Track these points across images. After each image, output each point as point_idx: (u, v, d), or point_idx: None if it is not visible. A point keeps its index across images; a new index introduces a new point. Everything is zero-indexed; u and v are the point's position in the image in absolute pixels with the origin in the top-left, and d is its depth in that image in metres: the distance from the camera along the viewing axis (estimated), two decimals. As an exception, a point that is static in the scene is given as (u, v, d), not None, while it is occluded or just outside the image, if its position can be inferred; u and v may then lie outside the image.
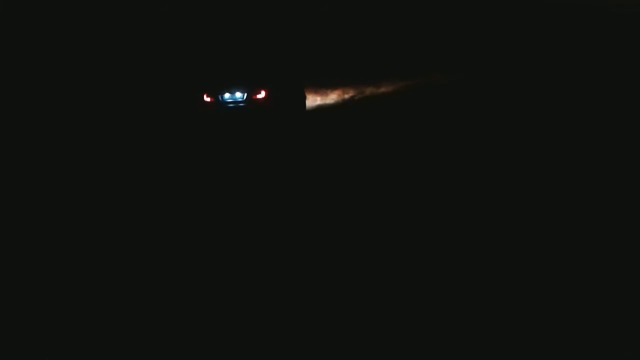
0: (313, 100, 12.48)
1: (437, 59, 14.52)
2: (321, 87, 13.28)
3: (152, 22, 13.88)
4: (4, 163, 10.37)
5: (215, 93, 9.75)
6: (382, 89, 13.29)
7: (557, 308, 4.07)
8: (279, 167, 8.98)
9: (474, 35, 15.53)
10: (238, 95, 9.82)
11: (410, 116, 11.06)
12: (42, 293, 5.25)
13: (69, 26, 14.29)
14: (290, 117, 10.48)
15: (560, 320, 3.88)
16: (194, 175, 8.95)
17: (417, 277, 5.02)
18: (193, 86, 10.34)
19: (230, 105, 9.83)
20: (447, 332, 3.87)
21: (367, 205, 7.39)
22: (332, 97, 13.12)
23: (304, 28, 14.39)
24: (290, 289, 5.02)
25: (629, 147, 8.46)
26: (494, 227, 6.17)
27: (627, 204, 6.39)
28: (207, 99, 9.78)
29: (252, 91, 9.87)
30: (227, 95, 9.81)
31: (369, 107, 12.44)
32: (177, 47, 12.64)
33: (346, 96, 13.18)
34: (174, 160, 9.49)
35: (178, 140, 10.11)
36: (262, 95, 9.88)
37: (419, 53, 14.85)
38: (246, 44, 11.41)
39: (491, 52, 14.71)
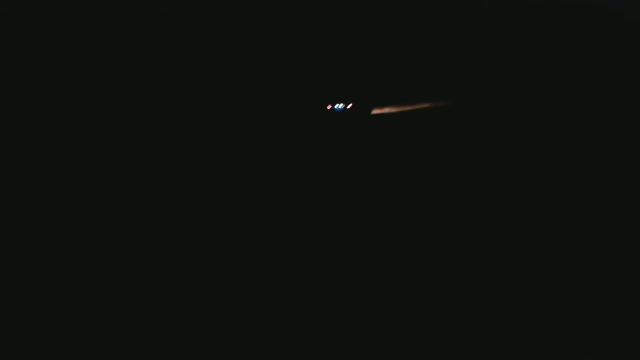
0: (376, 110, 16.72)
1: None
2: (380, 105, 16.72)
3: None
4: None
5: (331, 103, 12.20)
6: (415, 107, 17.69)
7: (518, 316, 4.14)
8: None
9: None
10: (340, 105, 12.39)
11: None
12: (41, 293, 5.24)
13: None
14: (363, 115, 13.98)
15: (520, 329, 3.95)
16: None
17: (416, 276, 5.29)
18: (320, 100, 12.74)
19: (337, 109, 12.40)
20: (447, 332, 4.06)
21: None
22: (384, 110, 16.86)
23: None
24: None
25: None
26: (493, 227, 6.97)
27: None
28: (328, 106, 11.96)
29: (346, 104, 12.63)
30: (336, 105, 12.29)
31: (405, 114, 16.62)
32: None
33: (393, 110, 16.61)
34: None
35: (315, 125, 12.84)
36: (350, 105, 12.74)
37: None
38: (341, 79, 14.88)
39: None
